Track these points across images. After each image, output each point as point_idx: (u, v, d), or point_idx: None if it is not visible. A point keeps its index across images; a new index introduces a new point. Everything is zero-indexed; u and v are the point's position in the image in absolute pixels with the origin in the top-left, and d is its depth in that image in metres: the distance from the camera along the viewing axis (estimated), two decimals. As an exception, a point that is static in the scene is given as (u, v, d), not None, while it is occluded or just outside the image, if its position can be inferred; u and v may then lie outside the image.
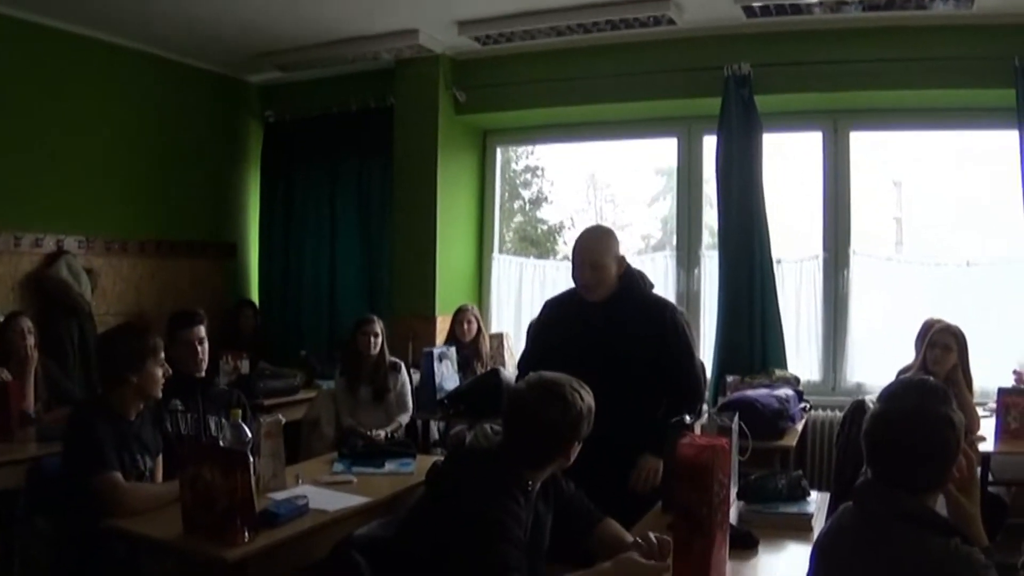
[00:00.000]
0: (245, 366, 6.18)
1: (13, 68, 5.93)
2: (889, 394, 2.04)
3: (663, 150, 6.65)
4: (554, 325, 3.71)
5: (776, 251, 5.92)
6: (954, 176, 6.11)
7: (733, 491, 3.15)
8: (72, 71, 6.33)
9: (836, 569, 2.01)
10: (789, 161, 6.29)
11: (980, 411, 4.74)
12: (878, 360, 5.75)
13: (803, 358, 6.08)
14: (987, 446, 4.43)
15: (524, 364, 3.78)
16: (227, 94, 7.65)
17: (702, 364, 3.81)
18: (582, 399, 2.47)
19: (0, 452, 4.01)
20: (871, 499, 1.98)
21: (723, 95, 5.73)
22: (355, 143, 7.20)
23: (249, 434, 3.17)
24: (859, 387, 5.80)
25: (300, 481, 3.64)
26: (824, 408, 5.77)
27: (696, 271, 6.36)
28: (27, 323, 4.82)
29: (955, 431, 1.93)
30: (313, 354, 6.86)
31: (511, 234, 7.76)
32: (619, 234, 3.74)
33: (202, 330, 3.99)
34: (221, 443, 3.16)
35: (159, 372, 3.38)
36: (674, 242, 6.51)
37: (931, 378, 2.11)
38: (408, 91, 6.72)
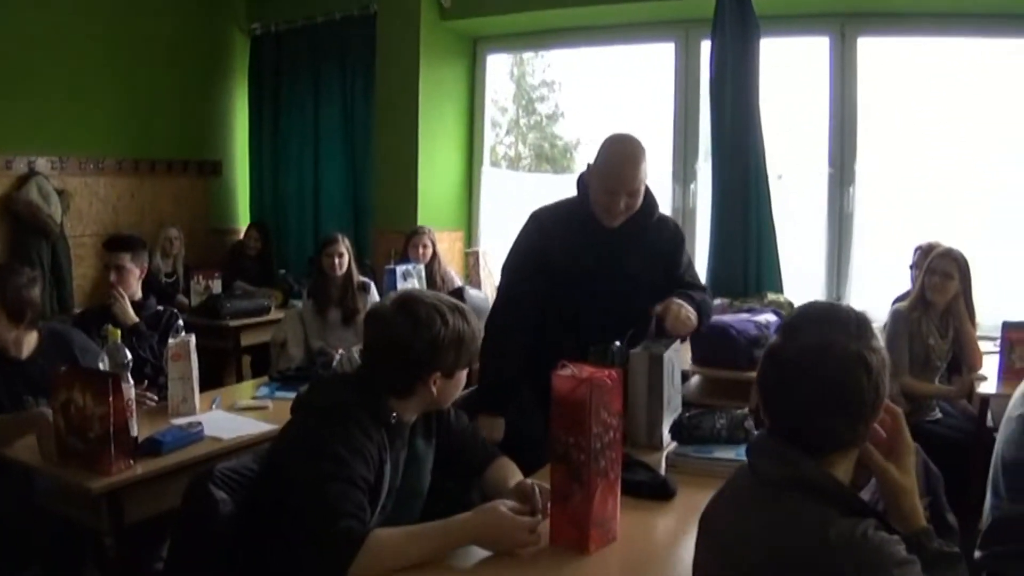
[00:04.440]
0: (217, 286, 6.06)
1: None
2: (787, 325, 1.59)
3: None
4: (556, 246, 3.11)
5: (779, 166, 5.50)
6: (972, 90, 5.55)
7: (665, 428, 2.81)
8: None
9: (716, 544, 1.63)
10: (797, 69, 5.80)
11: (988, 346, 4.33)
12: (887, 286, 5.32)
13: (806, 282, 5.68)
14: (989, 387, 4.05)
15: (510, 283, 3.21)
16: (211, 7, 7.36)
17: None
18: (447, 324, 2.14)
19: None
20: (763, 459, 1.57)
21: (716, -5, 5.27)
22: (339, 53, 6.91)
23: (128, 355, 2.90)
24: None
25: (215, 406, 3.45)
26: (825, 337, 5.38)
27: (692, 186, 5.98)
28: None
29: (871, 374, 1.49)
30: (293, 273, 6.64)
31: (527, 150, 7.50)
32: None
33: (121, 258, 3.88)
34: (102, 365, 2.88)
35: None
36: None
37: (846, 304, 1.64)
38: (390, -5, 6.37)
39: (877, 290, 5.33)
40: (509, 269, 3.25)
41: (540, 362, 2.45)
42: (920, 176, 5.54)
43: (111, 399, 2.61)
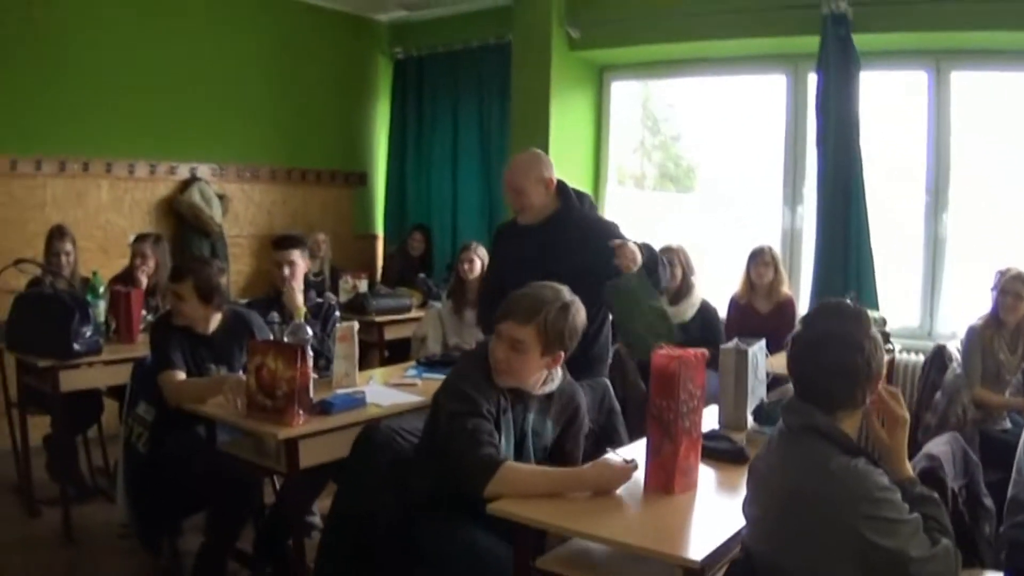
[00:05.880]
0: (363, 285, 6.64)
1: (152, 9, 6.51)
2: (806, 317, 2.16)
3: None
4: (501, 251, 4.00)
5: (878, 192, 5.88)
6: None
7: (749, 412, 3.33)
8: (212, 15, 6.89)
9: (758, 480, 2.17)
10: (894, 100, 6.19)
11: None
12: (977, 307, 5.64)
13: (901, 301, 6.05)
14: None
15: (484, 290, 4.12)
16: (358, 33, 8.08)
17: None
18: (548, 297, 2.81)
19: (124, 351, 4.56)
20: (788, 413, 2.12)
21: (821, 33, 5.67)
22: (476, 79, 7.58)
23: (310, 332, 3.56)
24: (954, 335, 5.70)
25: (371, 382, 4.00)
26: (917, 352, 5.73)
27: (799, 209, 6.39)
28: (144, 248, 5.33)
29: (863, 353, 2.02)
30: (432, 278, 7.27)
31: (652, 169, 7.96)
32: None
33: (292, 254, 4.38)
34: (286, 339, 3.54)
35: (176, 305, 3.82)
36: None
37: (850, 302, 2.20)
38: (523, 28, 6.90)
39: (968, 311, 5.61)
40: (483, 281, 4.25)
41: None
42: (1011, 203, 5.88)
43: (298, 365, 3.23)
